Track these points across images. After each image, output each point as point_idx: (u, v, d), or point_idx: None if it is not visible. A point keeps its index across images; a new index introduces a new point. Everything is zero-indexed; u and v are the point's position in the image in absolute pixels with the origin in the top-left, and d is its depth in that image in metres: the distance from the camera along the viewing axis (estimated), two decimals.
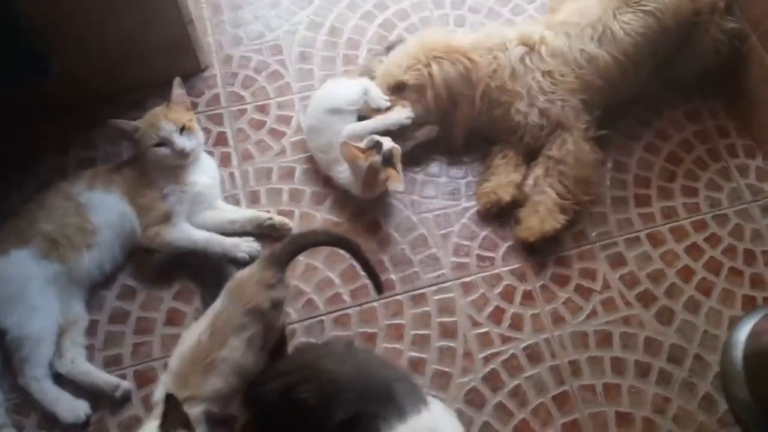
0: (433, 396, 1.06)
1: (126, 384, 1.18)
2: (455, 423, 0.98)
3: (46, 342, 1.16)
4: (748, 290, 1.33)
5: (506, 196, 1.34)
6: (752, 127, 1.49)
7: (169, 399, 0.93)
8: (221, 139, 1.46)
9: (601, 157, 1.39)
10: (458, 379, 1.22)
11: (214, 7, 1.64)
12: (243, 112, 1.50)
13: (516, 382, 1.22)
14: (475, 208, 1.39)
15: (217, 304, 1.07)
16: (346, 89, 1.37)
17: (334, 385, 0.97)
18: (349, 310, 1.28)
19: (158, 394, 1.01)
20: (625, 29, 1.35)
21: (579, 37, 1.35)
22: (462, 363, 1.24)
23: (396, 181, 1.26)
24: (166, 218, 1.27)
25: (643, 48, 1.37)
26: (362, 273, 1.20)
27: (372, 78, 1.44)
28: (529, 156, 1.41)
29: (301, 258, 1.26)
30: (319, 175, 1.42)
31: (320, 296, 1.30)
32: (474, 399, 1.20)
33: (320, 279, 1.31)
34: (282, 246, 1.11)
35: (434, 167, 1.45)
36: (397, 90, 1.38)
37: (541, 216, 1.31)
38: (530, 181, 1.36)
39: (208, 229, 1.30)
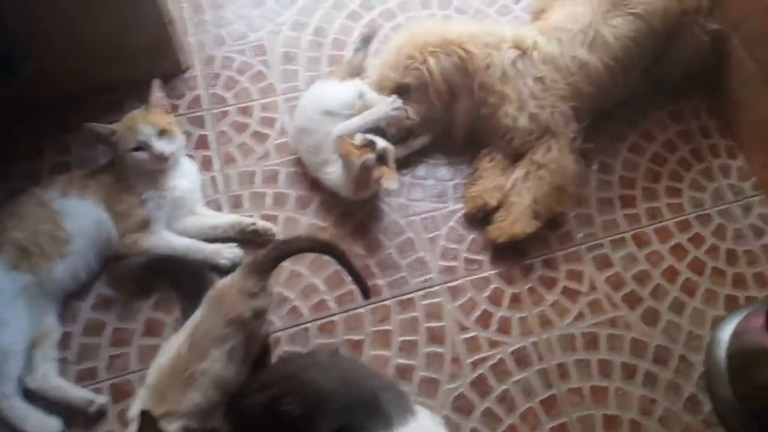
0: (421, 404, 1.05)
1: (101, 399, 1.14)
2: None
3: (15, 356, 1.11)
4: (730, 290, 1.33)
5: (493, 200, 1.34)
6: (734, 128, 1.51)
7: (145, 416, 0.90)
8: (202, 143, 1.43)
9: (582, 170, 1.39)
10: (446, 386, 1.21)
11: (195, 6, 1.60)
12: (225, 114, 1.47)
13: (504, 387, 1.22)
14: (463, 211, 1.38)
15: (197, 315, 1.04)
16: (341, 92, 1.34)
17: (319, 396, 0.94)
18: (334, 317, 1.26)
19: (134, 409, 0.97)
20: (615, 34, 1.34)
21: (570, 43, 1.34)
22: (450, 369, 1.23)
23: (390, 178, 1.24)
24: (145, 225, 1.23)
25: (632, 52, 1.37)
26: (348, 278, 1.18)
27: (359, 75, 1.42)
28: (517, 160, 1.39)
29: (286, 264, 1.23)
30: (304, 178, 1.39)
31: (305, 303, 1.27)
32: (462, 405, 1.19)
33: (305, 285, 1.29)
34: (264, 253, 1.08)
35: (421, 170, 1.43)
36: (402, 93, 1.35)
37: (513, 218, 1.31)
38: (510, 182, 1.35)
39: (189, 236, 1.27)
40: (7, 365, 1.10)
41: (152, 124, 1.23)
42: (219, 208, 1.36)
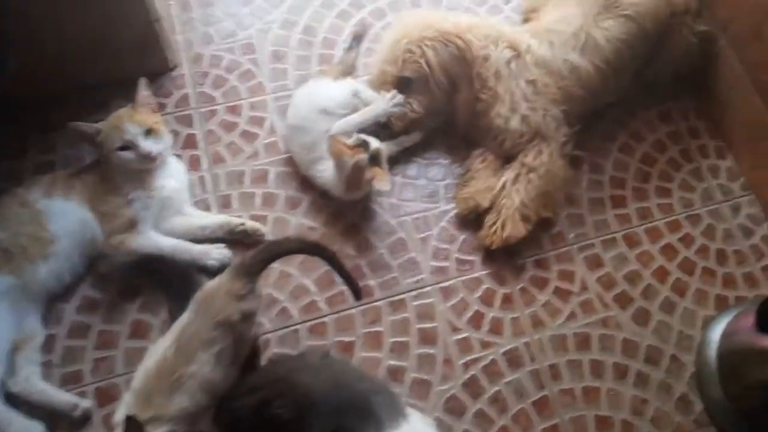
0: (412, 406, 1.04)
1: (85, 403, 1.12)
2: None
3: None
4: (720, 290, 1.34)
5: (484, 202, 1.33)
6: (723, 129, 1.51)
7: (130, 421, 0.88)
8: (190, 142, 1.41)
9: (571, 175, 1.39)
10: (438, 387, 1.20)
11: (182, 4, 1.58)
12: (213, 113, 1.45)
13: (496, 388, 1.21)
14: (454, 211, 1.37)
15: (185, 317, 1.02)
16: (336, 91, 1.33)
17: (310, 400, 0.93)
18: (325, 319, 1.25)
19: (119, 414, 0.95)
20: (606, 36, 1.34)
21: (562, 46, 1.34)
22: (442, 370, 1.22)
23: (382, 179, 1.23)
24: (132, 225, 1.21)
25: (623, 54, 1.37)
26: (339, 279, 1.16)
27: (351, 74, 1.41)
28: (509, 162, 1.39)
29: (275, 265, 1.21)
30: (294, 178, 1.38)
31: (295, 304, 1.26)
32: (454, 407, 1.19)
33: (295, 286, 1.27)
34: (253, 254, 1.07)
35: (413, 169, 1.42)
36: (402, 87, 1.34)
37: (503, 222, 1.30)
38: (500, 184, 1.35)
39: (177, 236, 1.25)
40: None
41: (139, 123, 1.21)
42: (207, 209, 1.34)
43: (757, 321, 1.11)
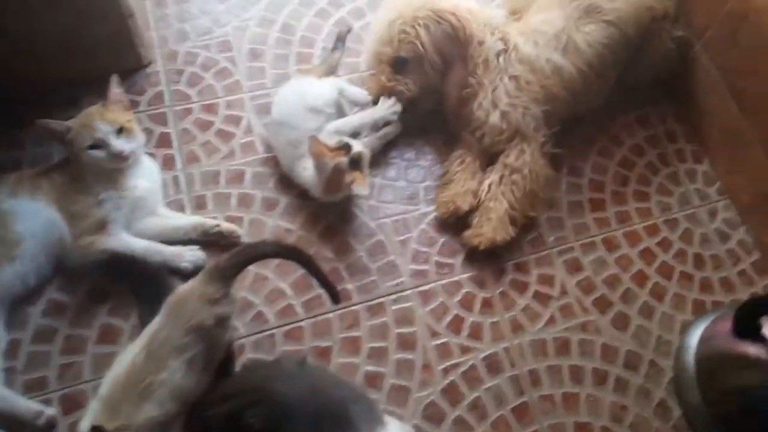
0: (391, 413, 1.02)
1: (50, 411, 1.08)
2: None
3: None
4: (697, 294, 1.35)
5: (465, 205, 1.32)
6: (700, 133, 1.53)
7: (96, 431, 0.84)
8: (164, 141, 1.38)
9: (553, 175, 1.39)
10: (417, 394, 1.18)
11: (157, 0, 1.54)
12: (188, 111, 1.42)
13: (476, 394, 1.20)
14: (434, 214, 1.36)
15: (156, 322, 0.99)
16: (324, 90, 1.33)
17: (285, 408, 0.91)
18: (302, 323, 1.22)
19: (84, 424, 0.92)
20: (587, 40, 1.34)
21: (546, 46, 1.34)
22: (421, 376, 1.20)
23: (361, 184, 1.21)
24: (102, 226, 1.18)
25: (606, 59, 1.37)
26: (317, 282, 1.14)
27: (334, 74, 1.41)
28: (488, 162, 1.39)
29: (250, 267, 1.19)
30: (271, 178, 1.35)
31: (271, 308, 1.23)
32: (433, 414, 1.17)
33: (271, 290, 1.25)
34: (228, 257, 1.04)
35: (392, 171, 1.41)
36: (398, 66, 1.33)
37: (493, 225, 1.29)
38: (485, 187, 1.34)
39: (149, 238, 1.22)
40: None
41: (110, 121, 1.18)
42: (181, 209, 1.31)
43: (734, 326, 1.11)
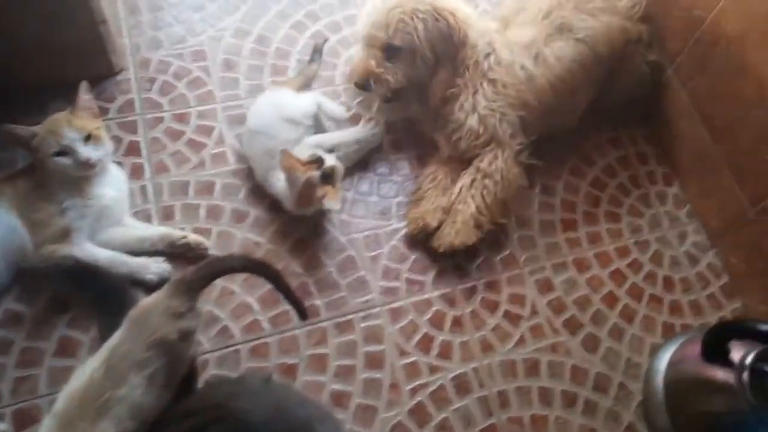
0: None
1: (2, 426, 1.05)
2: None
3: None
4: (667, 317, 1.35)
5: (434, 222, 1.32)
6: (670, 156, 1.55)
7: None
8: (133, 149, 1.35)
9: (525, 183, 1.40)
10: (384, 414, 1.16)
11: (131, 7, 1.53)
12: (159, 120, 1.39)
13: (443, 415, 1.18)
14: (406, 230, 1.35)
15: (117, 335, 0.96)
16: (302, 102, 1.34)
17: (249, 427, 0.88)
18: (268, 339, 1.20)
19: None
20: (556, 55, 1.36)
21: (520, 54, 1.36)
22: (388, 396, 1.18)
23: (333, 198, 1.20)
24: (65, 235, 1.15)
25: (577, 75, 1.38)
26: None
27: (309, 87, 1.41)
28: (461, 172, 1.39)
29: (218, 281, 1.16)
30: (241, 190, 1.33)
31: (236, 323, 1.20)
32: None
33: (237, 304, 1.22)
34: (194, 270, 1.01)
35: (365, 185, 1.40)
36: (389, 53, 1.33)
37: (457, 227, 1.30)
38: (456, 190, 1.34)
39: (114, 248, 1.19)
40: None
41: (78, 128, 1.15)
42: (148, 220, 1.28)
43: (703, 351, 1.12)
